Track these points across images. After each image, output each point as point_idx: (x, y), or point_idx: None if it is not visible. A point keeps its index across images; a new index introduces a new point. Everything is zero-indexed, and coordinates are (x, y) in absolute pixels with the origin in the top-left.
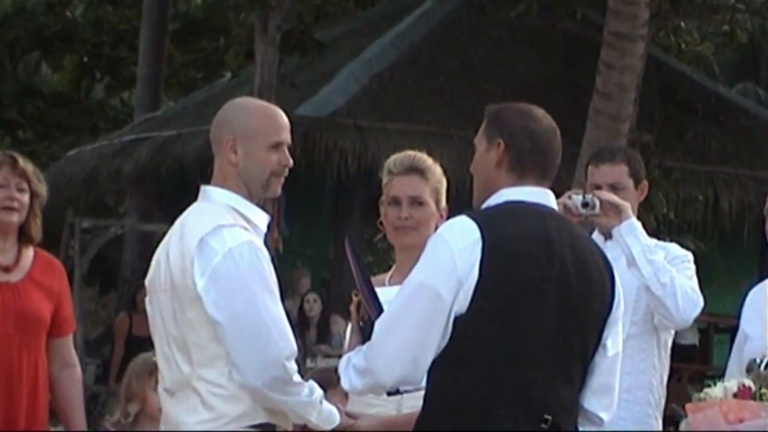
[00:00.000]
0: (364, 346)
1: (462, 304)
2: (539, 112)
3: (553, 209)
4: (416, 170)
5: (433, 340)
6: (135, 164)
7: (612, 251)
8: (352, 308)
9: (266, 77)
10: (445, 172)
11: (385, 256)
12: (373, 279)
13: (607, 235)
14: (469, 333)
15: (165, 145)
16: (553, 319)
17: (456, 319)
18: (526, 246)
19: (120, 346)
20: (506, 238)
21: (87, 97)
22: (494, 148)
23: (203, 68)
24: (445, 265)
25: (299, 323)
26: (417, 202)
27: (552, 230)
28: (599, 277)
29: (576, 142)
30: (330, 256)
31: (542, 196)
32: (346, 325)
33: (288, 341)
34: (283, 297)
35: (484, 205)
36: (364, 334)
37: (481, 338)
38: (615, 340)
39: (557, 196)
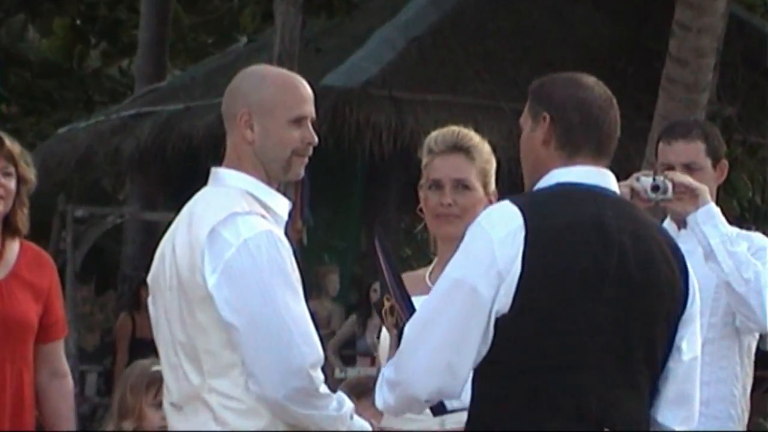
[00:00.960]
0: (395, 356)
1: (504, 302)
2: (589, 79)
3: (612, 192)
4: (461, 149)
5: (472, 344)
6: (136, 143)
7: (686, 242)
8: (384, 315)
9: (287, 42)
10: (494, 150)
11: (425, 249)
12: (412, 275)
13: (681, 224)
14: (513, 335)
15: (171, 120)
16: (611, 318)
17: (498, 319)
18: (578, 233)
19: (123, 352)
20: (554, 224)
21: (80, 65)
22: (540, 124)
23: (214, 32)
24: (483, 258)
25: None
26: (462, 185)
27: (609, 215)
28: (667, 270)
29: (646, 116)
30: (362, 249)
31: (599, 176)
32: (379, 332)
33: (313, 347)
34: (308, 297)
35: (535, 189)
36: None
37: (527, 341)
38: (692, 342)
39: (623, 178)
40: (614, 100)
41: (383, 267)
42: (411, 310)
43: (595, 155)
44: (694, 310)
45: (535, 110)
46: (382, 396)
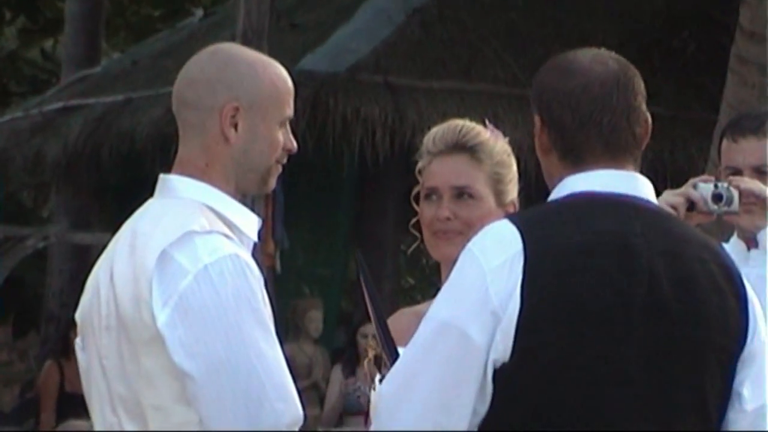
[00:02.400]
0: (373, 419)
1: (502, 348)
2: (586, 58)
3: (642, 200)
4: (464, 148)
5: (466, 403)
6: (63, 145)
7: (759, 265)
8: (367, 366)
9: (254, 15)
10: (518, 149)
11: (433, 277)
12: (410, 312)
13: (752, 242)
14: (516, 390)
15: (107, 116)
16: (643, 362)
17: (497, 370)
18: (594, 257)
19: (49, 411)
20: (562, 247)
21: None
22: (537, 128)
23: (162, 3)
24: (474, 294)
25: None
26: (465, 194)
27: (636, 232)
28: (716, 297)
29: (712, 106)
30: (352, 278)
31: (623, 181)
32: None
33: (290, 403)
34: (283, 339)
35: (547, 201)
36: None
37: (534, 397)
38: (757, 386)
39: (675, 183)
40: (624, 77)
41: (369, 306)
42: (396, 359)
43: (606, 157)
44: (757, 347)
45: (533, 110)
46: None
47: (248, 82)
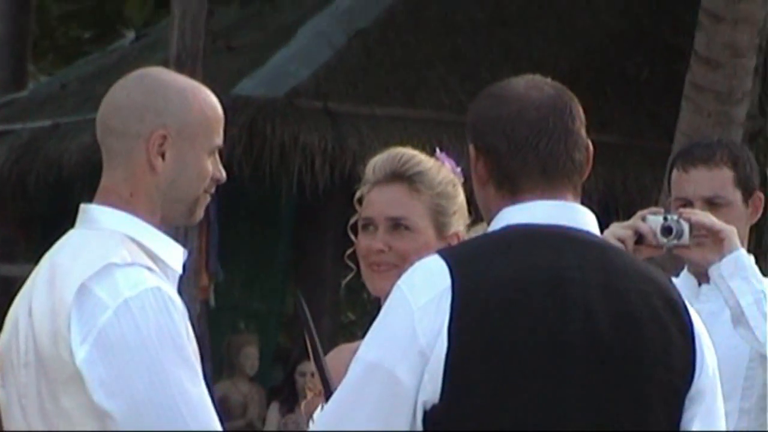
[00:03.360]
0: None
1: (431, 389)
2: (520, 84)
3: (579, 232)
4: (402, 177)
5: None
6: None
7: (710, 300)
8: (303, 407)
9: (189, 37)
10: (467, 179)
11: (375, 313)
12: (347, 348)
13: (703, 277)
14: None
15: (34, 142)
16: (582, 404)
17: (427, 412)
18: (525, 293)
19: None
20: (492, 283)
21: None
22: (473, 159)
23: (92, 24)
24: (401, 334)
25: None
26: (401, 225)
27: (572, 265)
28: (658, 331)
29: (667, 134)
30: (289, 312)
31: (563, 213)
32: None
33: None
34: (217, 376)
35: (482, 233)
36: None
37: None
38: (707, 425)
39: (627, 215)
40: (561, 102)
41: (308, 346)
42: None
43: (543, 184)
44: (705, 383)
45: (468, 141)
46: None
47: (177, 108)
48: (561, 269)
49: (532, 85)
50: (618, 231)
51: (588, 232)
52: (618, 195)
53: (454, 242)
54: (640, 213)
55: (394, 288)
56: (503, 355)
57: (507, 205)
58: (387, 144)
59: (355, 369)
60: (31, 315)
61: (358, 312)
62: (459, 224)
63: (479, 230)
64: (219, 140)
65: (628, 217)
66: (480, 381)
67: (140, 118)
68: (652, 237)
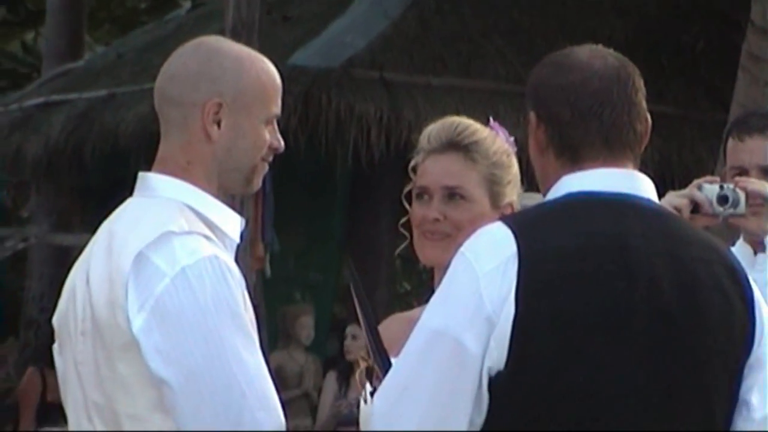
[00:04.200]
0: None
1: (497, 355)
2: (584, 53)
3: (644, 200)
4: (458, 146)
5: (462, 415)
6: (44, 142)
7: (765, 269)
8: (358, 377)
9: (244, 8)
10: (521, 149)
11: (431, 283)
12: (403, 318)
13: (758, 246)
14: (512, 399)
15: (90, 112)
16: (646, 369)
17: (492, 379)
18: (591, 260)
19: (28, 420)
20: (558, 250)
21: None
22: (532, 126)
23: None
24: (467, 301)
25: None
26: (456, 195)
27: (636, 233)
28: (721, 300)
29: (722, 105)
30: (345, 283)
31: (622, 180)
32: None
33: (272, 412)
34: (273, 346)
35: (543, 201)
36: None
37: (529, 409)
38: (763, 394)
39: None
40: (624, 72)
41: (360, 315)
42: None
43: (605, 154)
44: (764, 352)
45: (527, 107)
46: None
47: (232, 77)
48: (625, 236)
49: (595, 55)
50: (674, 200)
51: (649, 200)
52: (674, 166)
53: (508, 212)
54: (696, 182)
55: (458, 255)
56: (569, 321)
57: (567, 172)
58: (443, 114)
59: (418, 337)
60: (89, 283)
61: (414, 282)
62: (513, 194)
63: (534, 199)
64: (276, 109)
65: (683, 188)
66: (546, 347)
67: (196, 87)
68: (708, 206)
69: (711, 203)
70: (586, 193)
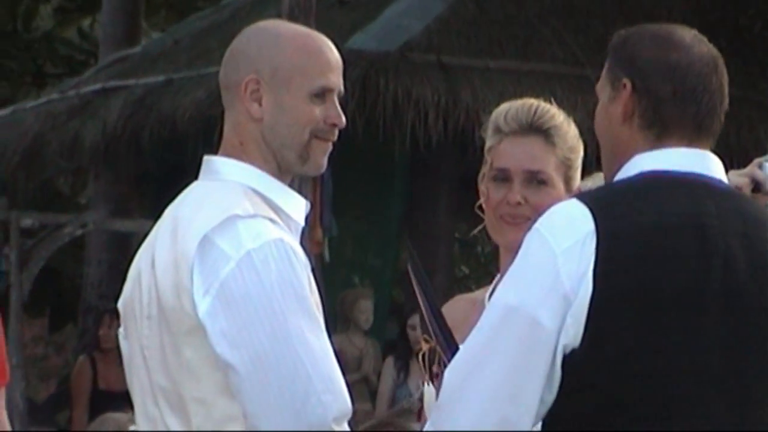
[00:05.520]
0: (434, 410)
1: (573, 333)
2: (687, 35)
3: (716, 181)
4: (539, 130)
5: (534, 393)
6: (101, 129)
7: None
8: (423, 362)
9: None
10: (578, 132)
11: (489, 266)
12: (464, 299)
13: None
14: (587, 377)
15: (147, 98)
16: (720, 349)
17: (566, 357)
18: (669, 238)
19: (82, 407)
20: (636, 228)
21: (27, 27)
22: (620, 93)
23: None
24: (543, 278)
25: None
26: (536, 179)
27: (711, 213)
28: None
29: None
30: (404, 267)
31: (698, 161)
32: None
33: (338, 395)
34: (332, 330)
35: (614, 180)
36: None
37: (607, 385)
38: None
39: (741, 166)
40: (720, 62)
41: (418, 297)
42: (455, 351)
43: (693, 136)
44: None
45: (615, 74)
46: None
47: (269, 53)
48: (700, 216)
49: (696, 39)
50: (735, 179)
51: (720, 180)
52: (732, 147)
53: None
54: (756, 160)
55: (532, 232)
56: (647, 299)
57: (643, 149)
58: (500, 97)
59: (492, 313)
60: (154, 267)
61: (473, 266)
62: (578, 178)
63: (596, 179)
64: (325, 81)
65: (742, 167)
66: (624, 325)
67: (236, 67)
68: (767, 184)
69: None
70: (662, 172)
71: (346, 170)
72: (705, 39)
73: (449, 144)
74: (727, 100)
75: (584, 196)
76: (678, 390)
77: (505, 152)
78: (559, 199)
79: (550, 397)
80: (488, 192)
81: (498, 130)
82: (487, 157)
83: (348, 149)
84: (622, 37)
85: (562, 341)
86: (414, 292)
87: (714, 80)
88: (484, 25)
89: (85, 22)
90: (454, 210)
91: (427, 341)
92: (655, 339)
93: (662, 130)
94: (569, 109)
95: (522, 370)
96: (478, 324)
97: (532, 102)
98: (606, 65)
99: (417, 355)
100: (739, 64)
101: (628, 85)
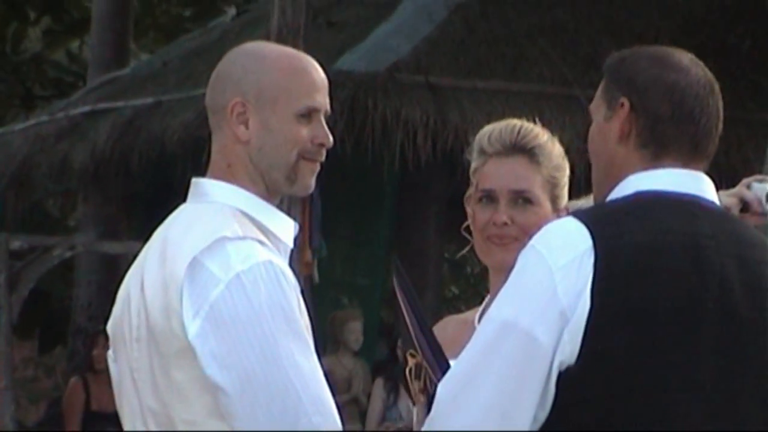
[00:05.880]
0: (425, 424)
1: (569, 350)
2: (685, 57)
3: (710, 203)
4: (523, 150)
5: (527, 409)
6: (91, 150)
7: None
8: (409, 378)
9: (289, 13)
10: (566, 152)
11: (478, 286)
12: (454, 320)
13: None
14: (582, 394)
15: (136, 119)
16: (713, 369)
17: (561, 373)
18: (665, 257)
19: (74, 428)
20: (633, 246)
21: (15, 50)
22: (616, 112)
23: (192, 2)
24: (540, 294)
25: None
26: (522, 198)
27: (706, 233)
28: None
29: None
30: (392, 288)
31: (692, 182)
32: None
33: (328, 416)
34: (322, 351)
35: (608, 199)
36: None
37: (600, 404)
38: None
39: (730, 186)
40: (716, 86)
41: (404, 313)
42: (445, 367)
43: (688, 157)
44: None
45: (611, 93)
46: None
47: (253, 74)
48: (697, 236)
49: (694, 62)
50: (723, 199)
51: (713, 202)
52: (721, 166)
53: (563, 215)
54: (745, 181)
55: (527, 249)
56: (643, 317)
57: (639, 168)
58: (489, 117)
59: (487, 328)
60: (143, 290)
61: (462, 286)
62: (566, 197)
63: (588, 201)
64: (310, 102)
65: (731, 187)
66: (620, 343)
67: (222, 91)
68: (757, 204)
69: (761, 202)
70: (658, 192)
71: (335, 191)
72: (701, 63)
73: (438, 164)
74: (721, 124)
75: (580, 214)
76: (672, 407)
77: (490, 173)
78: (545, 219)
79: (543, 414)
80: (474, 213)
81: (482, 152)
82: (473, 179)
83: (337, 169)
84: (618, 58)
85: (558, 358)
86: (399, 306)
87: (711, 102)
88: (472, 46)
89: (74, 45)
90: (443, 230)
91: (413, 356)
92: (651, 356)
93: (659, 150)
94: (557, 128)
95: (516, 386)
96: (473, 339)
97: (515, 122)
98: (602, 85)
99: (404, 370)
100: (727, 84)
101: (626, 104)
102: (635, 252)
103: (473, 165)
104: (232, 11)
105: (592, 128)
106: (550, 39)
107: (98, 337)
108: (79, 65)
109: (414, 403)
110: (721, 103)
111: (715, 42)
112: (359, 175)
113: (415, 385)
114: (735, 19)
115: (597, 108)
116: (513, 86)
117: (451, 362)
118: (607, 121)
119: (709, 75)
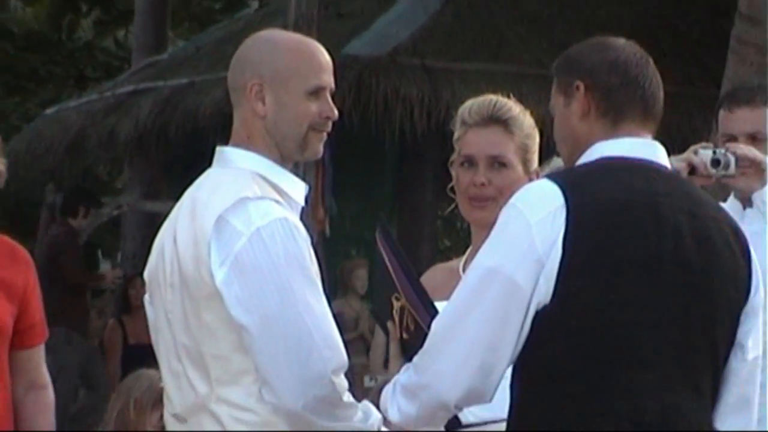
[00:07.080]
0: (415, 358)
1: (544, 292)
2: (618, 41)
3: (662, 166)
4: (498, 121)
5: (509, 342)
6: (134, 124)
7: (753, 223)
8: (393, 319)
9: (304, 5)
10: (541, 123)
11: (467, 240)
12: (441, 268)
13: (746, 202)
14: (556, 330)
15: (173, 97)
16: (670, 309)
17: (538, 312)
18: (627, 212)
19: (115, 364)
20: (599, 202)
21: (70, 37)
22: (574, 96)
23: None
24: (519, 244)
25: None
26: (498, 162)
27: (662, 192)
28: (729, 253)
29: (715, 83)
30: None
31: (646, 148)
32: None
33: (336, 350)
34: (333, 296)
35: (576, 164)
36: (409, 350)
37: (573, 337)
38: (756, 338)
39: (680, 152)
40: (650, 59)
41: (387, 261)
42: (428, 307)
43: (642, 119)
44: (758, 301)
45: (566, 82)
46: (397, 406)
47: (268, 58)
48: (654, 194)
49: (628, 43)
50: (675, 163)
51: (665, 166)
52: (674, 135)
53: (535, 177)
54: (692, 147)
55: (508, 206)
56: (608, 264)
57: (602, 138)
58: (476, 94)
59: (473, 274)
60: (176, 242)
61: (454, 239)
62: (537, 162)
63: (552, 166)
64: (317, 81)
65: (682, 153)
66: (589, 286)
67: (242, 72)
68: (703, 168)
69: (706, 166)
70: (619, 157)
71: (344, 158)
72: (635, 43)
73: (432, 135)
74: (662, 90)
75: (554, 176)
76: (634, 341)
77: (470, 141)
78: (518, 180)
79: (517, 350)
80: (458, 176)
81: (464, 123)
82: (456, 146)
83: (345, 140)
84: (563, 57)
85: (536, 299)
86: (382, 257)
87: (650, 70)
88: (462, 33)
89: (120, 33)
90: (437, 191)
91: (397, 299)
92: (615, 297)
93: (617, 115)
94: (534, 103)
95: (500, 323)
96: (462, 283)
97: (491, 97)
98: (554, 84)
99: (390, 312)
100: (679, 64)
101: (581, 86)
102: (602, 207)
103: (456, 134)
104: (255, 4)
105: (556, 119)
106: (528, 27)
107: (135, 279)
108: (124, 51)
109: (392, 340)
110: (657, 74)
111: (669, 29)
112: (365, 145)
113: (397, 326)
114: (686, 9)
115: (555, 102)
116: (496, 68)
117: (442, 303)
118: (567, 107)
119: (643, 52)
